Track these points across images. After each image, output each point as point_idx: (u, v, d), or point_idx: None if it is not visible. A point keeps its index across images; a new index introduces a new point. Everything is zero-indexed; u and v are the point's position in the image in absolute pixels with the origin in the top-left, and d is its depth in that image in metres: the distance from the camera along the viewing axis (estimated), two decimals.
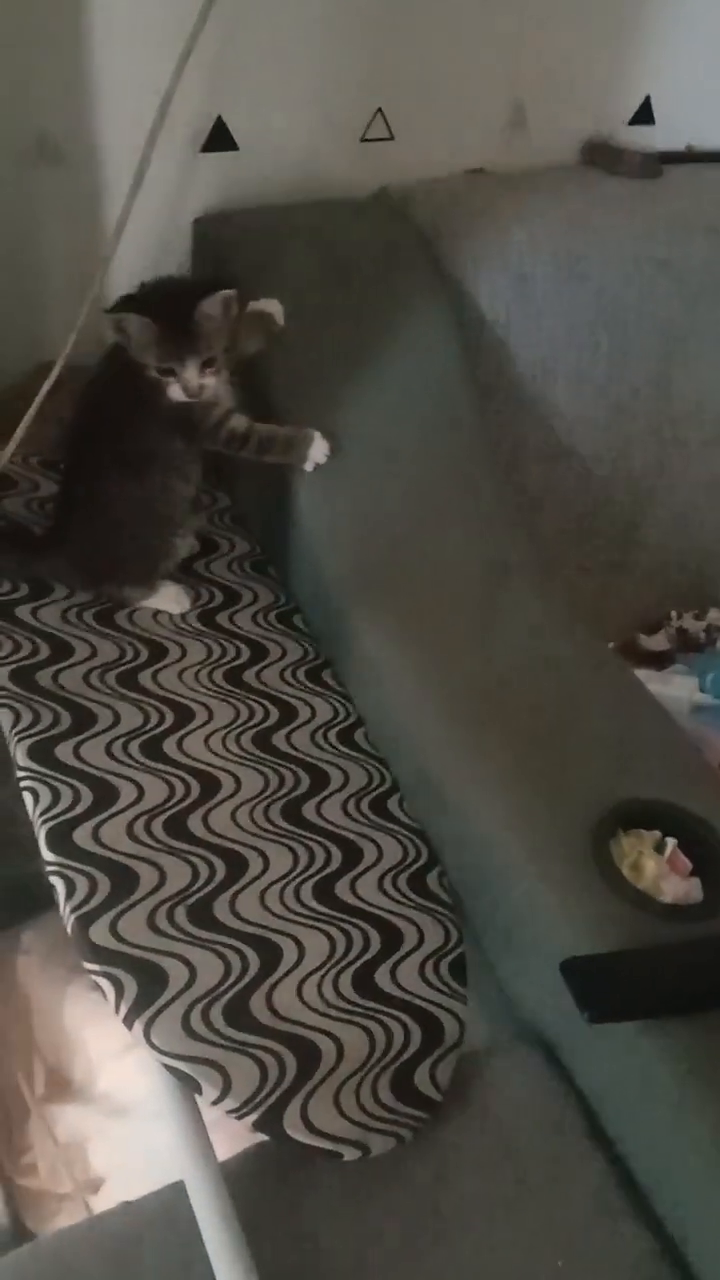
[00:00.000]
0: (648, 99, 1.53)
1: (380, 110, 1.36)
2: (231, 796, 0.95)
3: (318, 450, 1.12)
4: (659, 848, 0.95)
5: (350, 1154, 0.76)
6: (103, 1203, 1.10)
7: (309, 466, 1.13)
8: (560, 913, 0.86)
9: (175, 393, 1.01)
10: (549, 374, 1.40)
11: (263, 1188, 0.80)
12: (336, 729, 1.07)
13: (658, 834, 0.95)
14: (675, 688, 1.45)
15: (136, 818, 0.90)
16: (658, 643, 1.55)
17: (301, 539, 1.17)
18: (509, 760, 0.96)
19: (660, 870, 0.92)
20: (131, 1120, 1.14)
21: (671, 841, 0.95)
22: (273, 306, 1.16)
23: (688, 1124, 0.75)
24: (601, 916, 0.85)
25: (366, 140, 1.37)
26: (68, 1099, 1.18)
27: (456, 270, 1.31)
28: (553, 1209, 0.81)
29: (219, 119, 1.28)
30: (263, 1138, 0.78)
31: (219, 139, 1.29)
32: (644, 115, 1.54)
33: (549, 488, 1.45)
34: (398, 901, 0.93)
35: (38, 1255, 0.81)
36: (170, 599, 1.13)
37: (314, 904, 0.90)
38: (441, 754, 0.98)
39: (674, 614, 1.58)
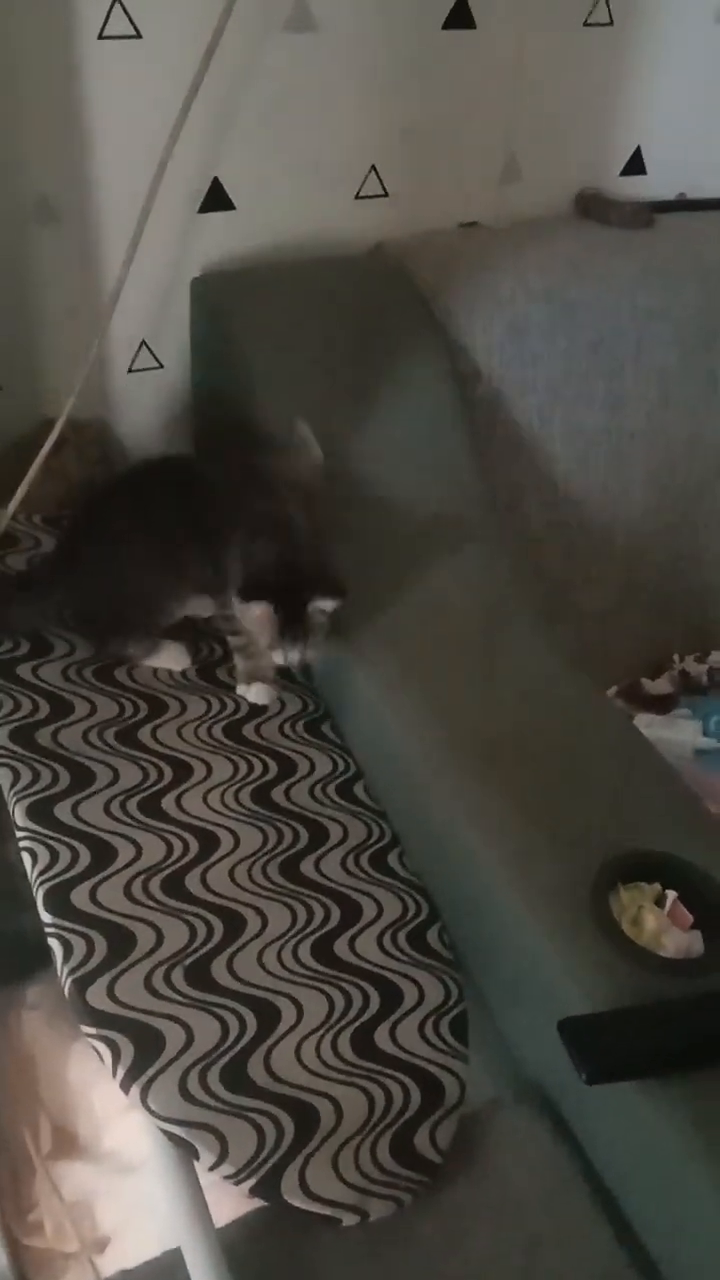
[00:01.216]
0: (638, 150, 1.56)
1: (374, 167, 1.38)
2: (230, 854, 0.96)
3: (255, 694, 1.14)
4: (659, 901, 0.94)
5: (349, 1219, 0.75)
6: (109, 1262, 1.09)
7: (238, 689, 1.15)
8: (560, 969, 0.85)
9: (276, 658, 1.07)
10: (546, 422, 1.41)
11: (264, 1253, 0.80)
12: (336, 783, 1.07)
13: (658, 887, 0.95)
14: (678, 731, 1.45)
15: (134, 877, 0.90)
16: (660, 686, 1.55)
17: None
18: (508, 811, 0.96)
19: (661, 924, 0.92)
20: (138, 1178, 1.13)
21: (672, 895, 0.94)
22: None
23: (692, 1186, 0.74)
24: (601, 972, 0.84)
25: (361, 197, 1.40)
26: (74, 1156, 1.17)
27: (452, 322, 1.33)
28: (562, 1272, 0.80)
29: (215, 179, 1.30)
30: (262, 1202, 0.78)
31: (216, 199, 1.31)
32: (635, 166, 1.57)
33: (549, 533, 1.46)
34: (397, 959, 0.93)
35: None
36: (171, 657, 1.14)
37: (313, 963, 0.89)
38: (442, 805, 0.98)
39: (676, 657, 1.58)
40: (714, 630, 1.60)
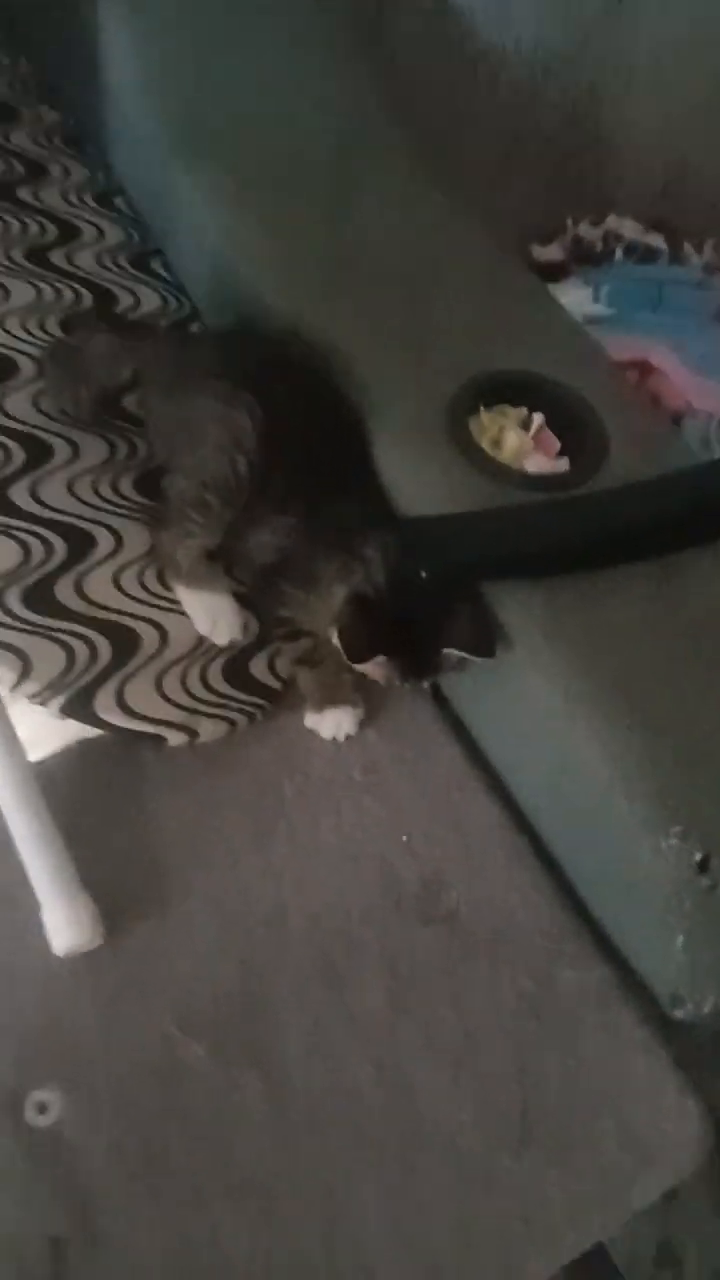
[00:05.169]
0: None
1: None
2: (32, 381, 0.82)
3: (330, 726, 0.77)
4: (525, 425, 0.85)
5: (175, 738, 0.69)
6: None
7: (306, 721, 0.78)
8: (413, 486, 0.77)
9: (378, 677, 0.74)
10: None
11: (84, 781, 0.74)
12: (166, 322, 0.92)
13: (524, 411, 0.85)
14: (567, 298, 1.31)
15: None
16: (551, 253, 1.39)
17: (121, 102, 0.98)
18: (363, 331, 0.84)
19: (523, 445, 0.83)
20: None
21: (539, 417, 0.85)
22: None
23: (531, 686, 0.69)
24: (458, 488, 0.76)
25: None
26: None
27: None
28: (402, 789, 0.76)
29: None
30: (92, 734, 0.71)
31: None
32: None
33: (425, 75, 1.24)
34: None
35: None
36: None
37: (135, 496, 0.79)
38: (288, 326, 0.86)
39: (570, 221, 1.41)
40: (611, 192, 1.42)
